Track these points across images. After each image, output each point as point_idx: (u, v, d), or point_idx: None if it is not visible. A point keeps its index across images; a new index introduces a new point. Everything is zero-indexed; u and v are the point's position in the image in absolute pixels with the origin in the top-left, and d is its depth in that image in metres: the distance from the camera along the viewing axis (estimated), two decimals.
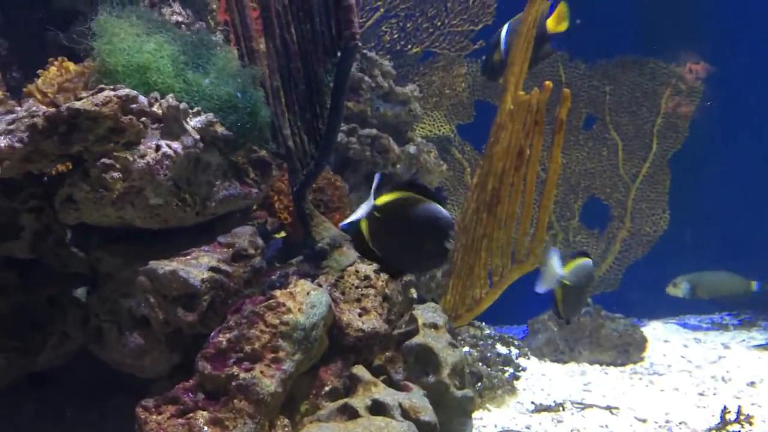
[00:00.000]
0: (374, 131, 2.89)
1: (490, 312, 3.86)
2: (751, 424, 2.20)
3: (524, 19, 2.02)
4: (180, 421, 1.52)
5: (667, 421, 2.33)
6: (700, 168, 4.46)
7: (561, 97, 1.80)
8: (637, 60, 4.08)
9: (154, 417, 1.54)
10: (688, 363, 3.24)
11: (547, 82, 1.83)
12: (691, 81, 4.12)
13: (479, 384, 2.55)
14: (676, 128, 4.08)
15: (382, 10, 3.73)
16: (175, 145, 1.71)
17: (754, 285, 3.94)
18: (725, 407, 2.22)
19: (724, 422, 2.19)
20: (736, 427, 2.17)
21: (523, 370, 2.84)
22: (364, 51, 3.14)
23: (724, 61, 4.31)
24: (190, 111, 1.79)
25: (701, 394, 2.67)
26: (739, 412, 2.20)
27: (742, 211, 4.41)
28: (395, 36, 3.77)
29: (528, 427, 2.25)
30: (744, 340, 3.86)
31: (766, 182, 4.49)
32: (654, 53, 4.15)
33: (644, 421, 2.35)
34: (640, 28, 4.58)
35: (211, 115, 1.82)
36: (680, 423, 2.31)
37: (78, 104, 1.56)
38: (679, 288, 3.94)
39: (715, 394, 2.69)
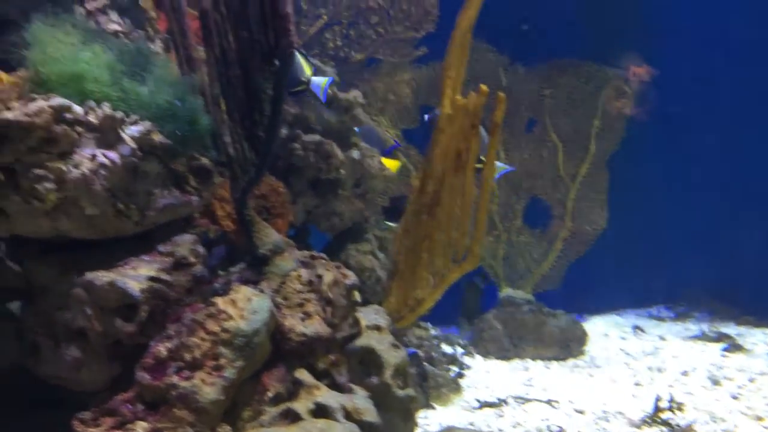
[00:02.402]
0: (318, 137, 2.92)
1: (438, 315, 3.93)
2: (681, 410, 2.32)
3: (458, 25, 2.08)
4: None
5: (604, 412, 2.43)
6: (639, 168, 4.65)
7: (496, 100, 1.86)
8: (573, 63, 4.21)
9: (92, 429, 1.53)
10: (626, 355, 3.37)
11: (483, 86, 1.89)
12: (624, 83, 4.27)
13: (425, 383, 2.59)
14: (613, 129, 4.23)
15: (325, 17, 3.75)
16: (112, 154, 1.70)
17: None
18: (658, 396, 2.33)
19: (657, 410, 2.30)
20: (669, 414, 2.28)
21: (468, 368, 2.91)
22: (308, 58, 3.15)
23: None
24: (127, 120, 1.78)
25: (637, 385, 2.79)
26: (671, 400, 2.31)
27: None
28: (339, 43, 3.80)
29: (471, 424, 2.31)
30: (679, 332, 4.03)
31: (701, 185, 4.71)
32: (596, 57, 4.27)
33: (582, 412, 2.44)
34: (582, 32, 4.69)
35: (149, 124, 1.81)
36: (617, 412, 2.41)
37: (8, 114, 1.54)
38: None
39: (650, 384, 2.80)
